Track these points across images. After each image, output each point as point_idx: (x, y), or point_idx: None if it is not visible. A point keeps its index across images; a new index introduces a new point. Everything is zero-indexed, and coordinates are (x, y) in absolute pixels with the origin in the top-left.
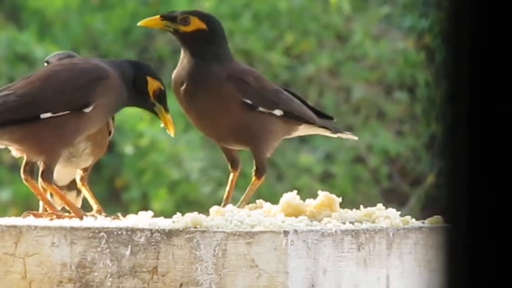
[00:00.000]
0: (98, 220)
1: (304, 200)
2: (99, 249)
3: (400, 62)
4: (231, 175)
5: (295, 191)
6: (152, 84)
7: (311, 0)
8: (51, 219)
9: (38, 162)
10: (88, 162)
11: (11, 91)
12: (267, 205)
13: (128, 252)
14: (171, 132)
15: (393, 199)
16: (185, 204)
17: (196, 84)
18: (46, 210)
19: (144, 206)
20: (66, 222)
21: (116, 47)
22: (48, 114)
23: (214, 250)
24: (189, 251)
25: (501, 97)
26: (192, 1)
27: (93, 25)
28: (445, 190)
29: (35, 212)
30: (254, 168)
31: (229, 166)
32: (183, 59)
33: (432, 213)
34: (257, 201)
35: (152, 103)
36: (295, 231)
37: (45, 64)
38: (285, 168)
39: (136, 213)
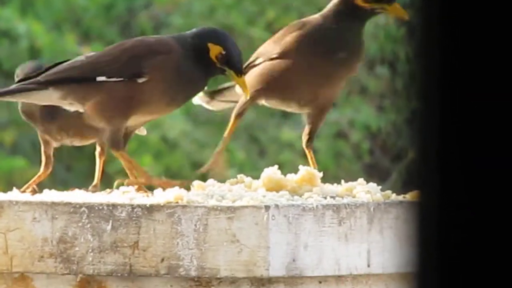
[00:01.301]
0: (80, 195)
1: (285, 175)
2: (80, 224)
3: (382, 37)
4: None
5: (276, 166)
6: (214, 50)
7: None
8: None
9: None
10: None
11: (87, 55)
12: (248, 180)
13: (109, 227)
14: (246, 93)
15: (375, 174)
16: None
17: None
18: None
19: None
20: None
21: (98, 23)
22: (103, 78)
23: (195, 225)
24: (170, 226)
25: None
26: None
27: (75, 0)
28: (417, 162)
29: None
30: (309, 136)
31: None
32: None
33: (413, 188)
34: (238, 176)
35: (220, 69)
36: (276, 206)
37: (16, 77)
38: (267, 144)
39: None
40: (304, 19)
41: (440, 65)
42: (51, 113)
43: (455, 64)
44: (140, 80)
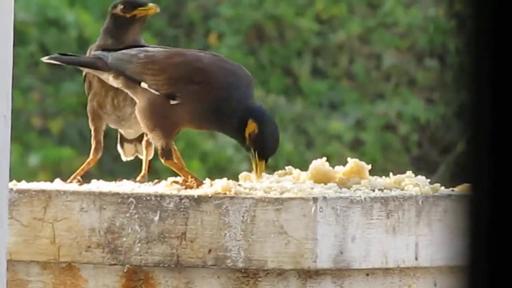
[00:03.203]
0: (128, 186)
1: (333, 167)
2: (128, 214)
3: (431, 29)
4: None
5: (324, 158)
6: (250, 127)
7: None
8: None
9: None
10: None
11: (148, 50)
12: (296, 172)
13: (157, 218)
14: (257, 177)
15: (423, 166)
16: (217, 172)
17: None
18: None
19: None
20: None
21: None
22: (145, 86)
23: (243, 216)
24: (218, 217)
25: None
26: None
27: None
28: (470, 155)
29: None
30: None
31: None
32: None
33: (462, 181)
34: (287, 167)
35: (247, 147)
36: (324, 198)
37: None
38: (315, 135)
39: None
40: None
41: (490, 57)
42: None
43: (506, 56)
44: (172, 102)
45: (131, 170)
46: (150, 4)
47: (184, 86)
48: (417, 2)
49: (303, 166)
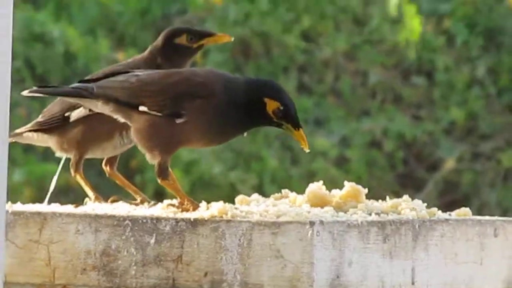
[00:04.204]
0: (122, 208)
1: (330, 190)
2: (123, 237)
3: (418, 46)
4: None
5: (321, 182)
6: (271, 105)
7: None
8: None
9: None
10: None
11: (138, 74)
12: (293, 195)
13: (153, 241)
14: (305, 148)
15: (409, 184)
16: (200, 185)
17: None
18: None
19: (158, 188)
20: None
21: (133, 28)
22: (145, 109)
23: (240, 240)
24: (214, 240)
25: None
26: None
27: (110, 5)
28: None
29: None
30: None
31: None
32: None
33: (451, 199)
34: (283, 191)
35: (278, 123)
36: (321, 221)
37: None
38: (300, 152)
39: (151, 195)
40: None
41: None
42: None
43: None
44: (178, 121)
45: (115, 185)
46: (219, 34)
47: (188, 102)
48: (403, 18)
49: (288, 183)
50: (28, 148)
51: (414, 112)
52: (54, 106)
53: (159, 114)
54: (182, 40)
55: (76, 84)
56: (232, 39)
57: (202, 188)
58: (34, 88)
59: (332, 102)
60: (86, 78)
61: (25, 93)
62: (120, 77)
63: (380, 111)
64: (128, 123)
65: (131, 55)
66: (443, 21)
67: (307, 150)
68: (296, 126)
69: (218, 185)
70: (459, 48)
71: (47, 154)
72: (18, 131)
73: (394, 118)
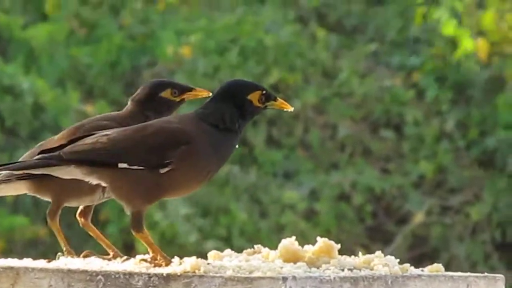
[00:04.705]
0: (97, 263)
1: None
2: None
3: (387, 99)
4: None
5: (293, 237)
6: (254, 98)
7: (297, 36)
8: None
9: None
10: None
11: (108, 134)
12: (266, 251)
13: None
14: (289, 108)
15: (378, 237)
16: (166, 243)
17: None
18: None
19: (127, 242)
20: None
21: (102, 80)
22: (125, 165)
23: None
24: None
25: None
26: (178, 36)
27: (79, 57)
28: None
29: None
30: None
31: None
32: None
33: (420, 253)
34: (255, 246)
35: (266, 107)
36: (294, 277)
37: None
38: (269, 204)
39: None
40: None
41: None
42: None
43: None
44: (163, 171)
45: (85, 237)
46: (198, 89)
47: (171, 151)
48: (372, 72)
49: (256, 236)
50: None
51: (383, 165)
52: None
53: (141, 167)
54: (167, 94)
55: (40, 156)
56: (210, 94)
57: (168, 246)
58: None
59: (301, 155)
60: (42, 150)
61: None
62: (88, 140)
63: (349, 164)
64: (103, 183)
65: (100, 107)
66: (412, 75)
67: (291, 109)
68: (275, 98)
69: (182, 244)
70: (429, 102)
71: (16, 206)
72: None
73: (363, 171)
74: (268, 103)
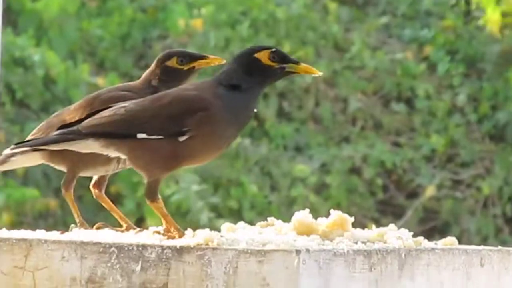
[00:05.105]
0: (110, 235)
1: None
2: (109, 264)
3: (398, 73)
4: None
5: (307, 210)
6: (264, 56)
7: (309, 9)
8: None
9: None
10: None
11: (125, 106)
12: (279, 223)
13: (138, 268)
14: (316, 73)
15: (389, 211)
16: (179, 216)
17: None
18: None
19: (140, 216)
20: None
21: (113, 54)
22: (143, 135)
23: (225, 267)
24: (200, 268)
25: None
26: (190, 8)
27: (90, 30)
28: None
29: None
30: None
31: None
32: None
33: (430, 227)
34: (269, 219)
35: (281, 68)
36: (307, 250)
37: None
38: (279, 178)
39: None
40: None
41: None
42: None
43: None
44: (181, 139)
45: (95, 209)
46: (211, 56)
47: (188, 119)
48: (384, 45)
49: (266, 209)
50: (7, 172)
51: (394, 139)
52: (49, 125)
53: (160, 137)
54: (173, 62)
55: (58, 131)
56: (224, 61)
57: (181, 219)
58: (16, 145)
59: (312, 129)
60: (60, 125)
61: (7, 151)
62: (106, 113)
63: (360, 137)
64: (121, 155)
65: (111, 80)
66: (423, 48)
67: (320, 73)
68: (296, 61)
69: (195, 216)
70: (440, 76)
71: (26, 179)
72: (7, 153)
73: (374, 144)
74: (286, 65)
